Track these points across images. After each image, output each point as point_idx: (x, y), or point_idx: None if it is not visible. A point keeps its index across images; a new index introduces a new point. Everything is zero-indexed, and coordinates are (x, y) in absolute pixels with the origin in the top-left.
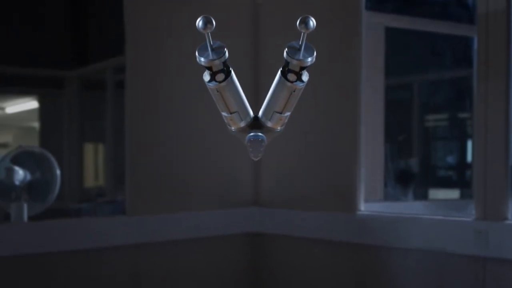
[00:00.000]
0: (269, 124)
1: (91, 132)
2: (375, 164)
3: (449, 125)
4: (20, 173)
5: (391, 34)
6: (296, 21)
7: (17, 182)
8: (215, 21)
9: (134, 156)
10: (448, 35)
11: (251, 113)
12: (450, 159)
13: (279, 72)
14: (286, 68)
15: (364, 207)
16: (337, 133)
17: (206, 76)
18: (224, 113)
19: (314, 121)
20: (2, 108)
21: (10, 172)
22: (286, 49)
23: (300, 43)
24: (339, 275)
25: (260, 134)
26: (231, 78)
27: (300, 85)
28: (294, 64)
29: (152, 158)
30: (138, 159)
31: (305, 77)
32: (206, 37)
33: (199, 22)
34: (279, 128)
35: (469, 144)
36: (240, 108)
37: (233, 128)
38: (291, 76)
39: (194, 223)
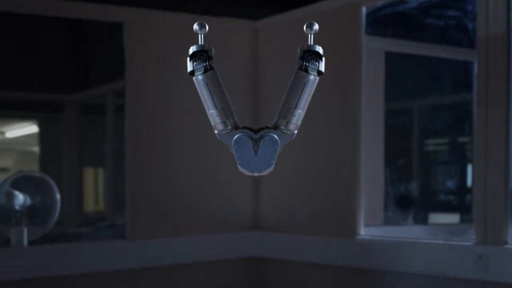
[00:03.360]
0: (284, 123)
1: (91, 156)
2: (375, 189)
3: (449, 149)
4: (20, 198)
5: (391, 59)
6: (295, 47)
7: (17, 207)
8: (215, 47)
9: (134, 180)
10: (448, 59)
11: (236, 118)
12: (450, 184)
13: (295, 72)
14: (304, 63)
15: (364, 232)
16: (337, 157)
17: (198, 71)
18: (211, 111)
19: (314, 145)
20: (2, 133)
21: (10, 197)
22: (299, 49)
23: (309, 42)
24: None
25: (274, 135)
26: (216, 72)
27: (311, 77)
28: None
29: (152, 183)
30: (138, 184)
31: (322, 67)
32: (200, 37)
33: (195, 25)
34: (293, 130)
35: (469, 168)
36: (225, 105)
37: (220, 129)
38: (312, 69)
39: (194, 248)
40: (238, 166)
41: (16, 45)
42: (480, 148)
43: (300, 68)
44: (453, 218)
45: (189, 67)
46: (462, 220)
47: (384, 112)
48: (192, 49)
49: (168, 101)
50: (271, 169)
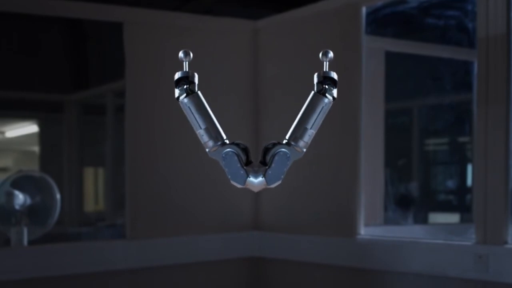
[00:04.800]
0: (297, 141)
1: (91, 156)
2: (375, 188)
3: (449, 149)
4: (20, 197)
5: (391, 59)
6: (295, 47)
7: (17, 206)
8: (215, 47)
9: (134, 180)
10: (448, 59)
11: (224, 135)
12: (450, 183)
13: (312, 94)
14: (322, 87)
15: (364, 231)
16: (337, 157)
17: (181, 95)
18: (198, 131)
19: (315, 145)
20: (2, 132)
21: (10, 196)
22: (317, 74)
23: (324, 68)
24: None
25: (287, 151)
26: (198, 94)
27: (326, 100)
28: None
29: (152, 182)
30: (138, 183)
31: (335, 93)
32: (184, 64)
33: (180, 53)
34: (303, 148)
35: (469, 168)
36: (210, 124)
37: (209, 147)
38: (329, 93)
39: (194, 247)
40: (230, 180)
41: (16, 45)
42: (480, 148)
43: (318, 92)
44: (453, 218)
45: (176, 93)
46: (462, 220)
47: (384, 112)
48: (175, 76)
49: (168, 101)
50: (278, 183)
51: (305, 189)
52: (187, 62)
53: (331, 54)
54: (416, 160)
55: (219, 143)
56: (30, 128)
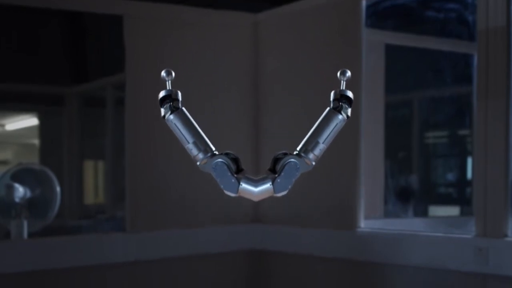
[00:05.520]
0: (308, 153)
1: (91, 149)
2: (375, 181)
3: (449, 142)
4: (20, 190)
5: (391, 51)
6: (295, 39)
7: (17, 199)
8: (216, 40)
9: (134, 173)
10: (448, 52)
11: (212, 147)
12: (450, 176)
13: (328, 110)
14: (338, 104)
15: (364, 224)
16: (337, 150)
17: (166, 113)
18: (187, 146)
19: None
20: (2, 125)
21: (10, 189)
22: (334, 92)
23: (342, 86)
24: None
25: (298, 162)
26: (182, 110)
27: (340, 117)
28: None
29: (152, 175)
30: (138, 176)
31: (349, 113)
32: (167, 83)
33: (162, 72)
34: (313, 162)
35: (469, 161)
36: (197, 138)
37: (199, 159)
38: (344, 111)
39: (195, 240)
40: (224, 190)
41: (16, 37)
42: (480, 140)
43: (334, 108)
44: (453, 210)
45: (161, 112)
46: (462, 213)
47: (384, 105)
48: (159, 96)
49: None
50: (284, 193)
51: (306, 182)
52: (169, 81)
53: (348, 74)
54: (416, 153)
55: (209, 154)
56: (30, 121)
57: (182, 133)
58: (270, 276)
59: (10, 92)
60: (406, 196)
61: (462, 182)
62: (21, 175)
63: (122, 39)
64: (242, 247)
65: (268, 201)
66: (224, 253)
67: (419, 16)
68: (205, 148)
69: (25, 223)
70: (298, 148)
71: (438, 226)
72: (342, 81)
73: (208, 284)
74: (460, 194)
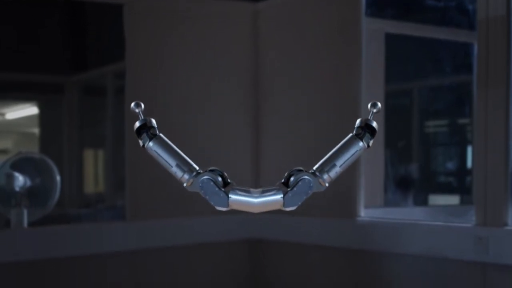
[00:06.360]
0: (324, 175)
1: (91, 138)
2: (375, 170)
3: (449, 131)
4: (20, 179)
5: (391, 40)
6: (295, 29)
7: (17, 188)
8: (216, 29)
9: (134, 162)
10: (448, 41)
11: (196, 166)
12: (450, 165)
13: (350, 136)
14: (361, 132)
15: (364, 213)
16: (337, 138)
17: (146, 139)
18: (171, 169)
19: (315, 126)
20: (2, 114)
21: (10, 178)
22: (360, 120)
23: (369, 117)
24: (339, 280)
25: (312, 180)
26: (160, 136)
27: (360, 144)
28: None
29: (152, 164)
30: (138, 165)
31: (371, 143)
32: (139, 114)
33: (132, 105)
34: (327, 183)
35: (469, 150)
36: (179, 160)
37: (185, 180)
38: (366, 140)
39: (194, 229)
40: (215, 207)
41: (16, 26)
42: (480, 129)
43: (357, 135)
44: (453, 199)
45: (140, 143)
46: (462, 202)
47: (384, 93)
48: (135, 127)
49: (169, 83)
50: (293, 208)
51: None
52: (140, 112)
53: (379, 106)
54: (416, 142)
55: (193, 174)
56: (30, 110)
57: (164, 158)
58: (269, 265)
59: (10, 81)
60: (406, 185)
61: (462, 171)
62: (21, 164)
63: (122, 27)
64: (241, 236)
65: (268, 182)
66: (224, 242)
67: (419, 5)
68: (189, 168)
69: (25, 212)
70: (314, 167)
71: (438, 215)
72: (371, 112)
73: (208, 272)
74: (460, 183)
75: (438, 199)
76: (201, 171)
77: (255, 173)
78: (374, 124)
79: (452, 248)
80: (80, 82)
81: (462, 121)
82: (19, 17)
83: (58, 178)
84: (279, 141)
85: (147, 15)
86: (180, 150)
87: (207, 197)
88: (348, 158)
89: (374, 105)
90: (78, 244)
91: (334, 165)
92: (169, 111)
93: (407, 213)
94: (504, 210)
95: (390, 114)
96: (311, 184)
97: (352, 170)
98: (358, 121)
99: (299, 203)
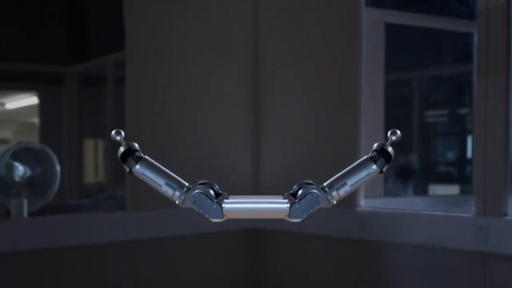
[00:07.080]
0: (333, 192)
1: (91, 127)
2: None
3: (449, 120)
4: (20, 169)
5: (391, 30)
6: (295, 17)
7: (17, 178)
8: (215, 21)
9: None
10: (448, 31)
11: (185, 182)
12: (450, 155)
13: (365, 158)
14: (376, 155)
15: (364, 203)
16: (337, 128)
17: (132, 164)
18: (161, 189)
19: (314, 116)
20: (2, 104)
21: (10, 168)
22: (377, 144)
23: (387, 143)
24: (339, 270)
25: (320, 195)
26: (146, 158)
27: (373, 167)
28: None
29: (151, 154)
30: None
31: (384, 169)
32: (120, 141)
33: (112, 132)
34: (334, 200)
35: (469, 139)
36: (168, 178)
37: (176, 198)
38: (379, 165)
39: (194, 219)
40: (210, 219)
41: (16, 16)
42: (480, 119)
43: (371, 158)
44: (453, 189)
45: (127, 169)
46: (462, 192)
47: (384, 83)
48: (119, 153)
49: (169, 71)
50: (298, 220)
51: (306, 159)
52: (122, 139)
53: (398, 134)
54: (416, 132)
55: (184, 189)
56: (30, 99)
57: (152, 179)
58: (269, 255)
59: (11, 71)
60: (406, 175)
61: (462, 161)
62: (21, 154)
63: (122, 17)
64: (240, 226)
65: (268, 180)
66: (223, 232)
67: None
68: (178, 185)
69: (25, 202)
70: (325, 183)
71: (438, 205)
72: (390, 139)
73: (207, 262)
74: (460, 173)
75: (438, 189)
76: (191, 186)
77: (255, 172)
78: (390, 149)
79: (452, 238)
80: (80, 72)
81: (462, 111)
82: (19, 8)
83: (58, 168)
84: (279, 140)
85: (147, 3)
86: (167, 169)
87: (201, 210)
88: (360, 179)
89: (394, 133)
90: (78, 234)
91: (345, 184)
92: (170, 99)
93: (407, 203)
94: (504, 200)
95: (390, 104)
96: (319, 199)
97: (352, 160)
98: (375, 145)
99: (305, 216)
